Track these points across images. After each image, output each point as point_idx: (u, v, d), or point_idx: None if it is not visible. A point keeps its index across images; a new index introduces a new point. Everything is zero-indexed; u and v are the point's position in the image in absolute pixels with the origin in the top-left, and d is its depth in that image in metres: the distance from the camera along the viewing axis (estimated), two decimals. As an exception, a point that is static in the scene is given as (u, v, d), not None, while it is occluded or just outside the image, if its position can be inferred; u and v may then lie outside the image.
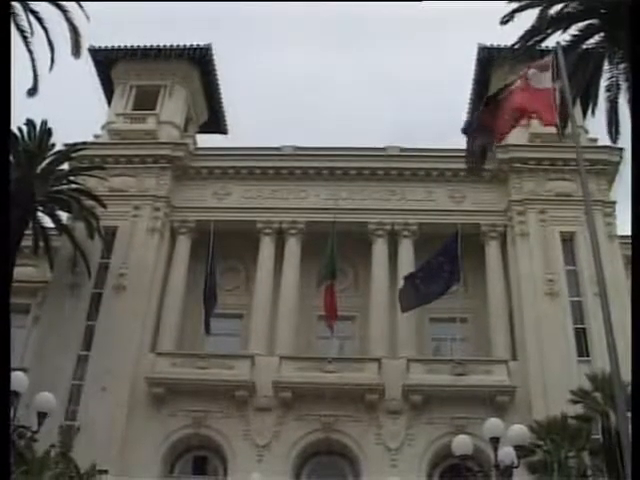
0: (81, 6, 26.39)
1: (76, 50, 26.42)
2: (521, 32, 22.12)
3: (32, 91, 25.67)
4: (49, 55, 26.14)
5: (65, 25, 26.31)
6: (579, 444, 22.36)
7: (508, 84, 15.78)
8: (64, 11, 25.95)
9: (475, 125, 16.18)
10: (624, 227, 29.87)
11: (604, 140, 26.43)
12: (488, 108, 15.61)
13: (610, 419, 21.38)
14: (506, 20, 21.52)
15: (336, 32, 75.00)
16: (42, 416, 15.76)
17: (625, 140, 23.29)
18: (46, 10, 25.80)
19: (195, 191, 33.65)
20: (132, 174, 33.09)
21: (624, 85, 21.67)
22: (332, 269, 28.40)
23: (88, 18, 26.52)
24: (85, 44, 27.67)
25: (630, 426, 11.26)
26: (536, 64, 15.77)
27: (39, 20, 25.56)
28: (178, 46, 35.78)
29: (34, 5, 25.46)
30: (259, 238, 32.44)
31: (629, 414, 11.47)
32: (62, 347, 28.81)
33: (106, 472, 21.44)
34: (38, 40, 25.54)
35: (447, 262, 27.26)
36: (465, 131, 16.57)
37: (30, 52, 25.20)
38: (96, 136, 34.65)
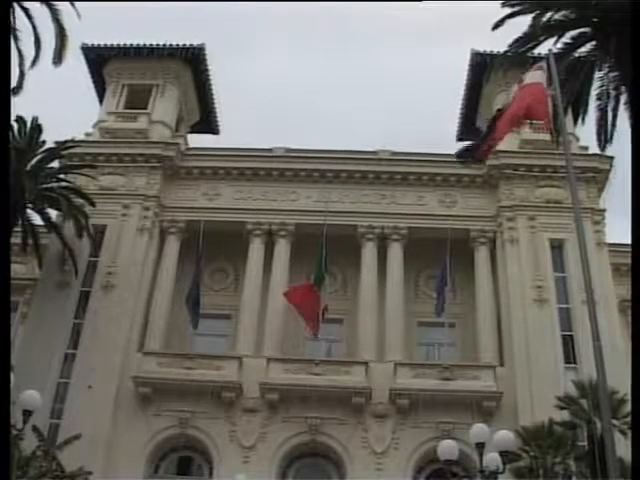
0: (73, 4, 26.18)
1: (58, 56, 25.92)
2: (514, 39, 22.20)
3: (16, 89, 25.15)
4: (44, 52, 25.90)
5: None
6: (565, 450, 22.38)
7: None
8: (53, 10, 25.68)
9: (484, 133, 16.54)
10: (613, 235, 30.11)
11: (595, 148, 26.53)
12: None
13: (596, 426, 21.43)
14: (497, 25, 21.56)
15: (330, 34, 75.21)
16: (27, 414, 15.73)
17: (614, 148, 23.44)
18: (37, 8, 25.64)
19: (185, 191, 33.59)
20: (122, 173, 32.98)
21: (614, 93, 21.78)
22: (321, 273, 28.53)
23: (79, 16, 26.27)
24: (72, 46, 27.06)
25: (630, 429, 11.31)
26: (531, 67, 15.93)
27: (29, 17, 25.29)
28: (171, 45, 35.69)
29: (25, 3, 25.25)
30: (249, 239, 32.39)
31: (614, 421, 11.55)
32: (49, 345, 28.69)
33: (90, 473, 21.31)
34: (28, 37, 25.39)
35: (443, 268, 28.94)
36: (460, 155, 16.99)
37: (18, 50, 24.86)
38: (87, 134, 34.52)
